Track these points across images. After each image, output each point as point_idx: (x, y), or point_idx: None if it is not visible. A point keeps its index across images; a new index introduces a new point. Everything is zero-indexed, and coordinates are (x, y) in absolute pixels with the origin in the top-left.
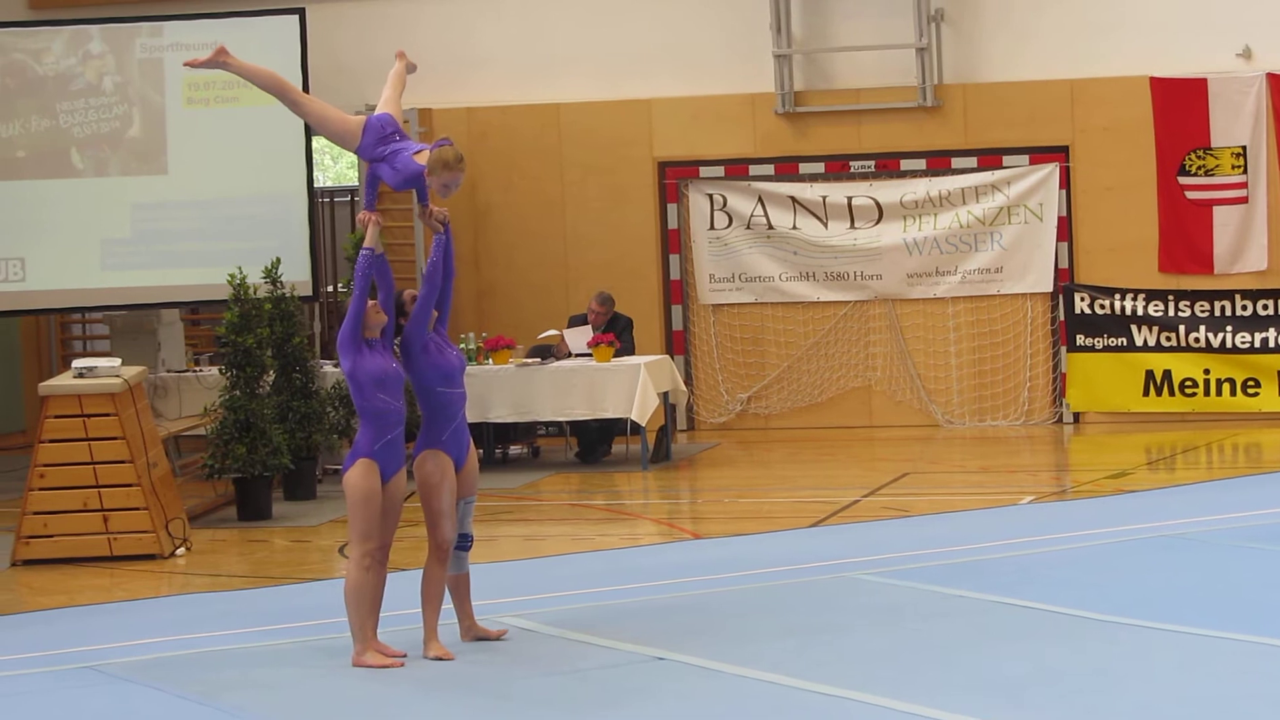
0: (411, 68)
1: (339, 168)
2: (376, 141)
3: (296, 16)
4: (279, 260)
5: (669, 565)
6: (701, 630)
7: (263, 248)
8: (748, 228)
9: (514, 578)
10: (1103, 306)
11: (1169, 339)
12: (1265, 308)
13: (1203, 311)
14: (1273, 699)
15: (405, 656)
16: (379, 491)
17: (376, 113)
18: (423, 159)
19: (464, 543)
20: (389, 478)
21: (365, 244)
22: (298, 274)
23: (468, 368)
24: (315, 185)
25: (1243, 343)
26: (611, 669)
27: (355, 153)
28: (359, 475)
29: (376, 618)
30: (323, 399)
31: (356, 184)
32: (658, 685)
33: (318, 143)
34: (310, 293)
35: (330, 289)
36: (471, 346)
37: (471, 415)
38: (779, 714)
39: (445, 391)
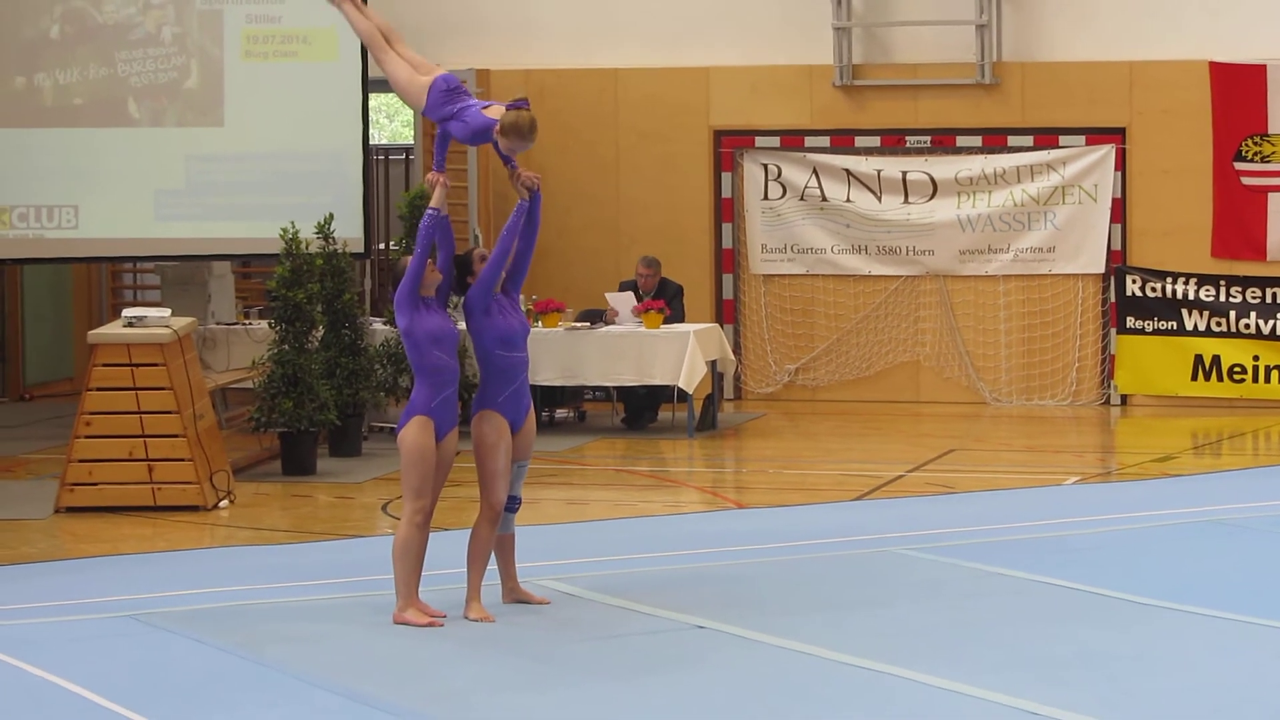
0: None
1: (394, 126)
2: (443, 100)
3: None
4: (331, 216)
5: (711, 534)
6: (742, 600)
7: (316, 203)
8: (801, 199)
9: (556, 541)
10: (1154, 290)
11: (1219, 324)
12: None
13: (1254, 298)
14: None
15: (445, 616)
16: (434, 449)
17: (440, 73)
18: (493, 113)
19: (512, 504)
20: (443, 436)
21: (432, 204)
22: (350, 230)
23: None
24: (370, 142)
25: None
26: (651, 636)
27: (422, 113)
28: (415, 432)
29: (419, 575)
30: (371, 356)
31: (412, 143)
32: (697, 654)
33: (374, 100)
34: (362, 249)
35: (382, 246)
36: (524, 309)
37: None
38: (818, 686)
39: (504, 355)
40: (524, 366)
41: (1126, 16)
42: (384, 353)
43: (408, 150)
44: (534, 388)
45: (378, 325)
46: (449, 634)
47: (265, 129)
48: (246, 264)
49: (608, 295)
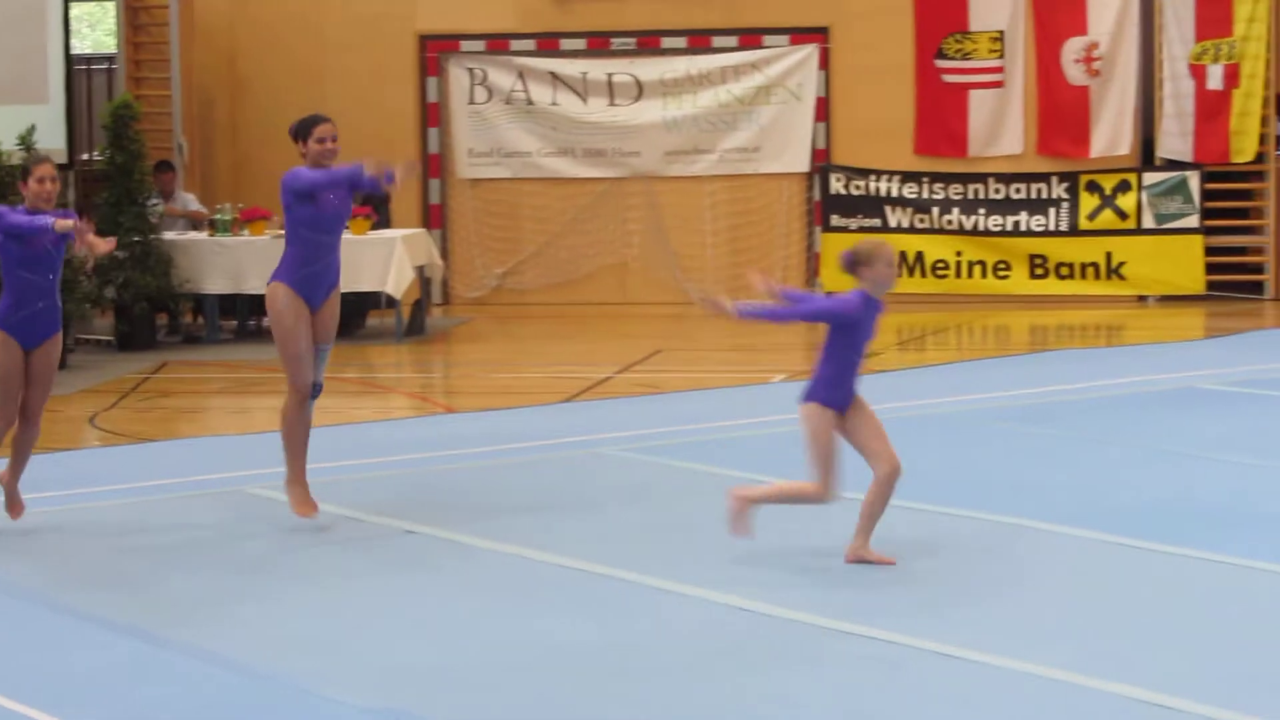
0: None
1: (96, 34)
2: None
3: None
4: (34, 127)
5: (421, 439)
6: (451, 505)
7: (19, 114)
8: (507, 103)
9: (266, 449)
10: (858, 188)
11: (922, 221)
12: (1018, 191)
13: (956, 194)
14: (1000, 569)
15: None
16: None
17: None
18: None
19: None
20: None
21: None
22: (53, 141)
23: (223, 238)
24: (72, 52)
25: (995, 226)
26: (361, 541)
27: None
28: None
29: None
30: (75, 268)
31: (115, 52)
32: (408, 558)
33: (75, 9)
34: (66, 160)
35: (85, 156)
36: (227, 218)
37: (224, 286)
38: (530, 588)
39: (310, 236)
40: (330, 251)
41: None
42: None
43: (110, 59)
44: (241, 297)
45: None
46: (157, 541)
47: None
48: None
49: None
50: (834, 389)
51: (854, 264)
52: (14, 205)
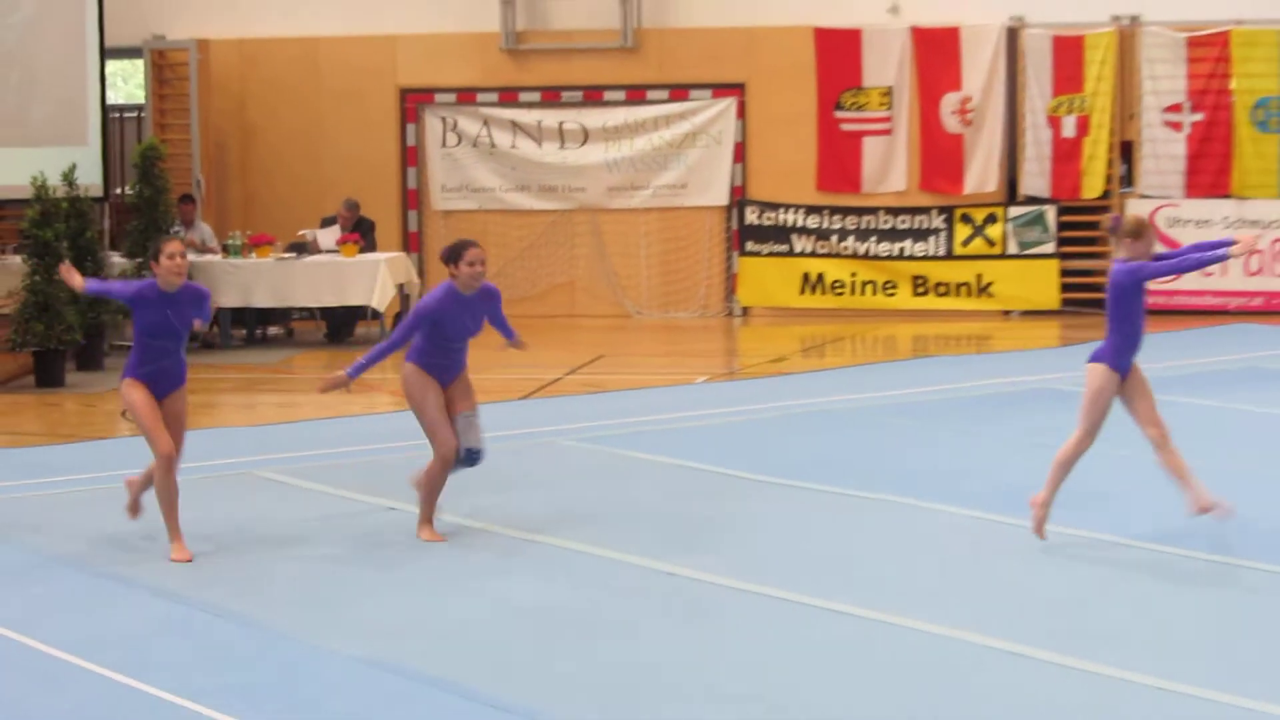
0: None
1: (129, 87)
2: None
3: None
4: (75, 166)
5: (402, 430)
6: None
7: (63, 155)
8: (474, 146)
9: (273, 438)
10: (769, 219)
11: (823, 247)
12: (903, 222)
13: (851, 224)
14: (882, 543)
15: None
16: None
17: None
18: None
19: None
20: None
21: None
22: (91, 178)
23: (235, 259)
24: (108, 102)
25: (884, 251)
26: (349, 517)
27: None
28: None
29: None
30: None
31: (143, 102)
32: (392, 532)
33: (111, 66)
34: (101, 194)
35: (118, 191)
36: (238, 243)
37: (236, 300)
38: (495, 556)
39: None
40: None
41: None
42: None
43: (139, 108)
44: (250, 309)
45: (115, 258)
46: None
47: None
48: (2, 207)
49: (316, 232)
50: (1119, 356)
51: (1126, 233)
52: (144, 278)
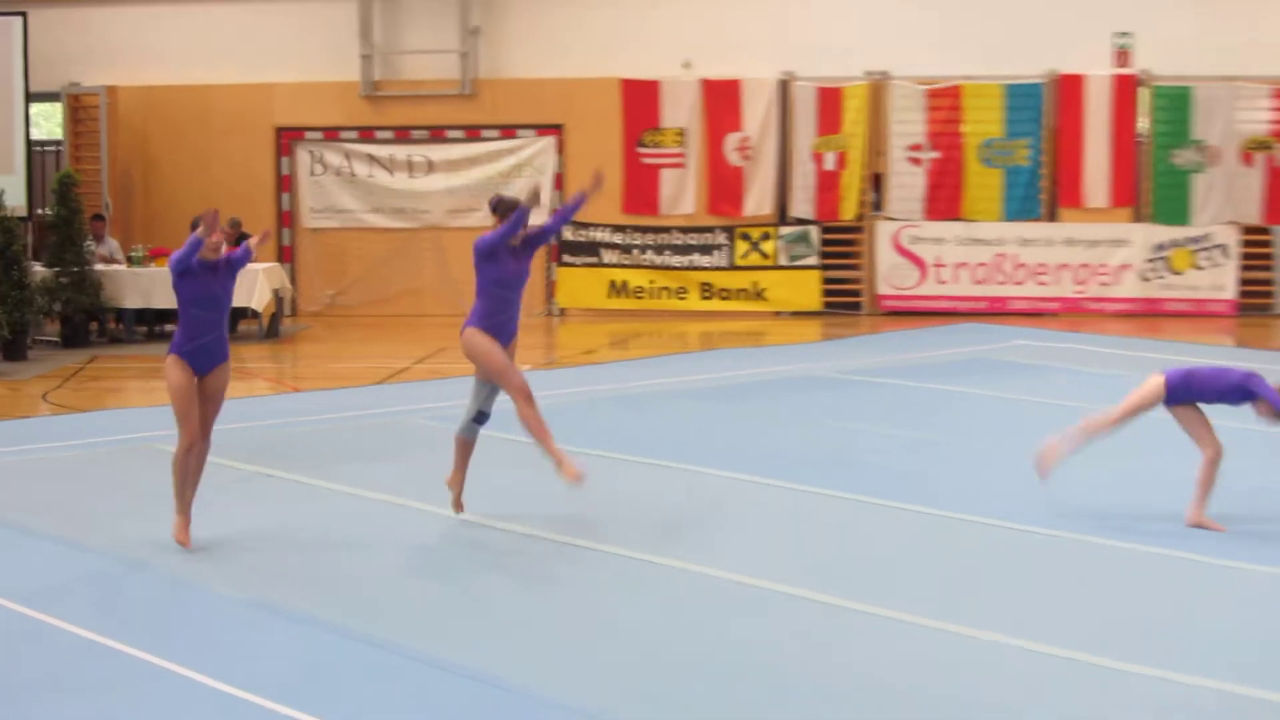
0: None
1: (49, 125)
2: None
3: (20, 18)
4: (3, 191)
5: (276, 409)
6: (295, 456)
7: None
8: (338, 175)
9: (165, 418)
10: (583, 236)
11: (627, 259)
12: (693, 239)
13: (650, 241)
14: (691, 514)
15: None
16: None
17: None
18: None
19: (480, 419)
20: None
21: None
22: (17, 200)
23: (137, 268)
24: (31, 138)
25: (677, 263)
26: (232, 484)
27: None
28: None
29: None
30: (33, 289)
31: (61, 138)
32: (262, 494)
33: (34, 108)
34: (25, 214)
35: (40, 211)
36: (141, 254)
37: (138, 302)
38: (350, 519)
39: (498, 292)
40: (513, 305)
41: (561, 47)
42: (41, 287)
43: (58, 143)
44: (150, 310)
45: (37, 268)
46: (95, 482)
47: None
48: None
49: None
50: (1179, 376)
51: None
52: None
